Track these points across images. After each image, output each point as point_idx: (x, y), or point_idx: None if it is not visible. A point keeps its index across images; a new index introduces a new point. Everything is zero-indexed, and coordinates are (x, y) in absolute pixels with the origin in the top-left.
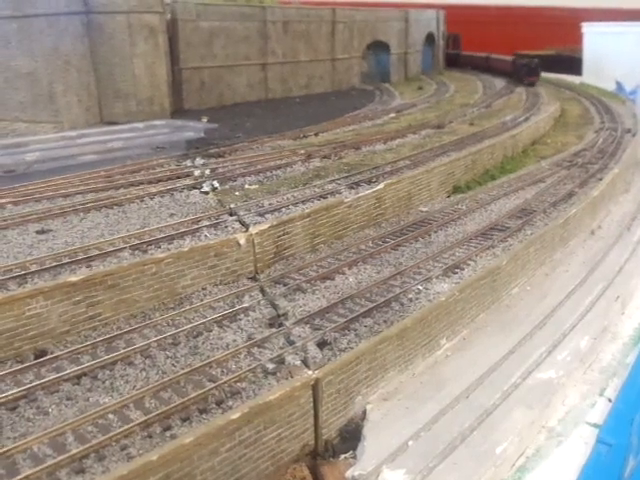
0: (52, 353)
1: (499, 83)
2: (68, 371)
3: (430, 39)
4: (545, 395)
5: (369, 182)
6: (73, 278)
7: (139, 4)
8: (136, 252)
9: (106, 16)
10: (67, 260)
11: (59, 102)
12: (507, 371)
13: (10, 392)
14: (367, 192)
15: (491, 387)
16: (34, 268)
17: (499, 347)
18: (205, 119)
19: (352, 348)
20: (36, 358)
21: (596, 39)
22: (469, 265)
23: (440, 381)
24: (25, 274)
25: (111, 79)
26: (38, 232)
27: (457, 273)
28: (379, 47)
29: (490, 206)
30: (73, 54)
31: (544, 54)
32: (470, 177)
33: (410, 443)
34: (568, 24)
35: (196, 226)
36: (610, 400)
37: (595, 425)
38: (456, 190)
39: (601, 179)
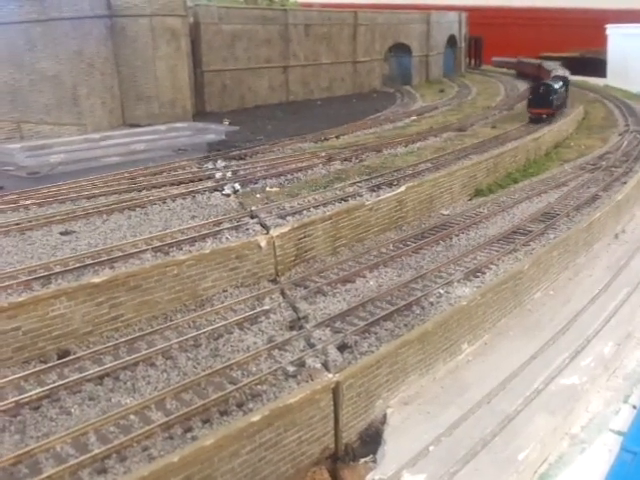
0: (75, 353)
1: (521, 85)
2: (91, 371)
3: (452, 41)
4: (568, 401)
5: (390, 185)
6: (96, 279)
7: (162, 8)
8: (158, 254)
9: (129, 19)
10: (90, 261)
11: (83, 104)
12: (529, 376)
13: (34, 392)
14: (388, 195)
15: (513, 393)
16: (58, 269)
17: (521, 352)
18: (227, 121)
19: (373, 351)
20: (59, 358)
21: (621, 41)
22: (491, 269)
23: (461, 386)
24: (49, 275)
25: (134, 82)
26: (62, 233)
27: (479, 277)
28: (401, 49)
29: (512, 209)
30: (97, 57)
31: (568, 56)
32: (492, 180)
33: (431, 448)
34: (592, 26)
35: (217, 228)
36: (634, 407)
37: (619, 432)
38: (478, 193)
39: (625, 182)
